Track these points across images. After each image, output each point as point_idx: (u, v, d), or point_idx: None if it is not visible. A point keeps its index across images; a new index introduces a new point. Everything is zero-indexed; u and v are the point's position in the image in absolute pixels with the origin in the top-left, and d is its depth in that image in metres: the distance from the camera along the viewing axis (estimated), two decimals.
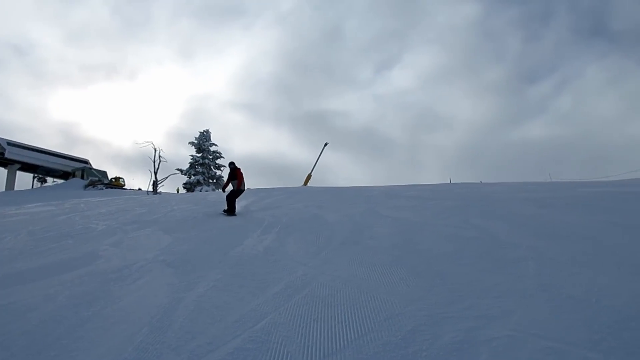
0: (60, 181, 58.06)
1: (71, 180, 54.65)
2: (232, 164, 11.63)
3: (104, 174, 57.71)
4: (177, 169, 47.12)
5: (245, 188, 11.77)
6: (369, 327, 3.53)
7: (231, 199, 11.05)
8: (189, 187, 46.77)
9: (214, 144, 49.48)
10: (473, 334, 3.31)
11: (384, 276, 4.98)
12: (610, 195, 11.24)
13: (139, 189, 43.32)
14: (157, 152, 37.07)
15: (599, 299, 3.97)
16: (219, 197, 15.88)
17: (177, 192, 42.95)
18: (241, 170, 11.53)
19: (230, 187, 11.63)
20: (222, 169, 49.11)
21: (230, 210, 10.86)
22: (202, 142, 48.95)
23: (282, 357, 3.05)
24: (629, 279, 4.51)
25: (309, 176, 40.14)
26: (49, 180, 60.04)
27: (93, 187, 47.74)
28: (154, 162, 36.98)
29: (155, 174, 37.07)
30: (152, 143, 41.59)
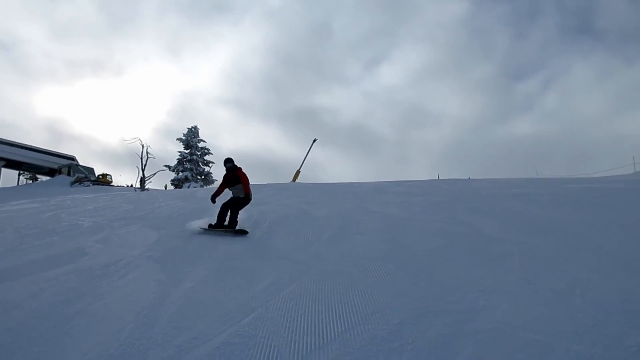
0: (46, 178, 57.37)
1: (57, 177, 53.79)
2: (229, 162, 8.26)
3: (90, 170, 56.91)
4: (165, 166, 46.77)
5: (251, 196, 8.38)
6: (356, 321, 3.55)
7: (235, 209, 7.95)
8: (177, 183, 46.45)
9: (202, 140, 49.19)
10: (459, 327, 3.34)
11: (372, 271, 5.00)
12: (595, 191, 11.39)
13: (131, 186, 42.93)
14: (145, 149, 36.86)
15: (583, 293, 4.04)
16: (208, 193, 15.78)
17: (165, 188, 42.70)
18: (244, 171, 8.30)
19: (228, 194, 8.44)
20: (210, 165, 48.87)
21: (232, 224, 7.75)
22: (190, 139, 48.63)
23: (269, 351, 3.06)
24: (613, 273, 4.59)
25: (298, 172, 40.12)
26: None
27: (80, 184, 47.08)
28: (142, 159, 36.77)
29: (143, 170, 36.86)
30: (139, 139, 41.37)
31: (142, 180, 36.77)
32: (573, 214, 8.10)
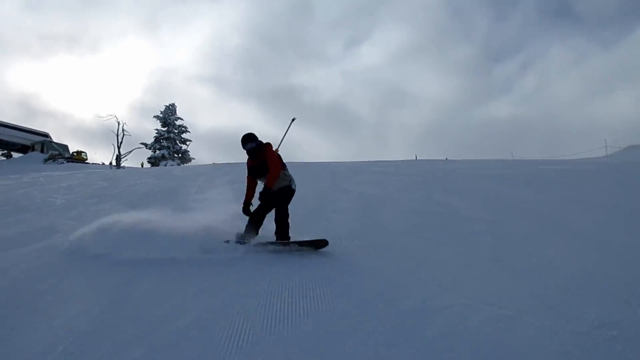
0: (18, 155, 55.97)
1: (30, 154, 52.50)
2: (249, 141, 5.35)
3: (65, 147, 55.63)
4: (142, 143, 46.19)
5: (295, 185, 5.57)
6: (328, 298, 3.58)
7: (280, 210, 5.31)
8: (154, 161, 45.93)
9: (179, 118, 48.57)
10: (429, 303, 3.41)
11: (346, 248, 5.06)
12: (566, 172, 11.64)
13: (110, 164, 42.15)
14: (121, 126, 36.42)
15: (550, 270, 4.16)
16: (184, 172, 15.65)
17: (142, 166, 42.19)
18: (273, 148, 5.54)
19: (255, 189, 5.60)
20: (187, 143, 48.38)
21: (284, 233, 5.20)
22: (168, 116, 47.96)
23: (241, 326, 3.08)
24: (579, 251, 4.73)
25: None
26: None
27: (53, 161, 46.03)
28: (117, 136, 36.32)
29: (119, 148, 36.41)
30: (115, 116, 40.67)
31: (118, 158, 36.33)
32: (545, 194, 8.28)
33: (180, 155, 47.65)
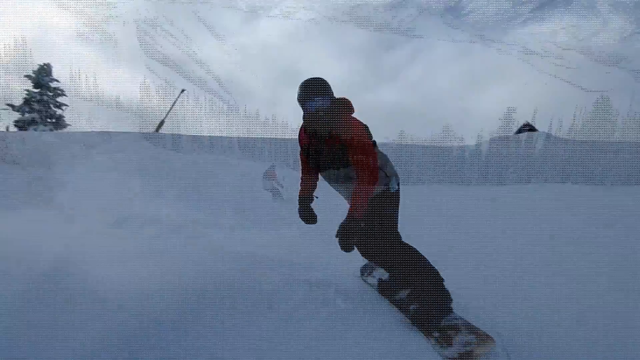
0: None
1: None
2: (319, 90, 2.58)
3: None
4: (8, 104, 41.74)
5: (398, 184, 2.89)
6: (233, 278, 3.55)
7: (390, 243, 2.87)
8: (22, 125, 41.80)
9: (55, 80, 44.46)
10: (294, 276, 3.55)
11: (228, 219, 5.03)
12: (442, 157, 12.61)
13: None
14: None
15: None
16: (58, 138, 14.37)
17: (7, 130, 38.23)
18: (357, 119, 2.68)
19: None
20: (63, 108, 44.52)
21: (429, 291, 2.74)
22: (41, 77, 43.69)
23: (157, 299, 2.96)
24: (442, 234, 5.18)
25: (162, 122, 38.56)
26: None
27: None
28: None
29: None
30: None
31: None
32: (431, 184, 8.92)
33: (54, 120, 43.80)
